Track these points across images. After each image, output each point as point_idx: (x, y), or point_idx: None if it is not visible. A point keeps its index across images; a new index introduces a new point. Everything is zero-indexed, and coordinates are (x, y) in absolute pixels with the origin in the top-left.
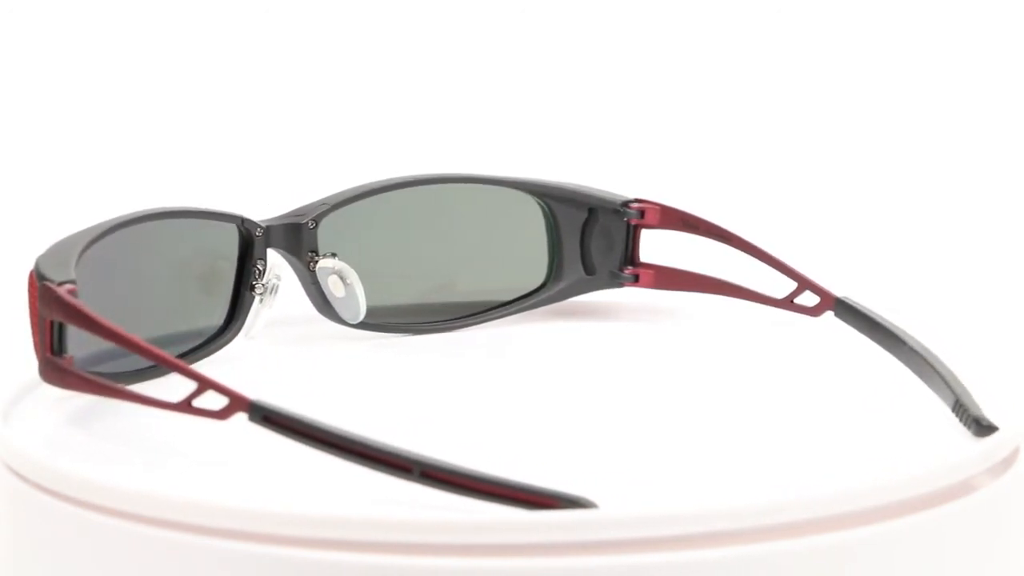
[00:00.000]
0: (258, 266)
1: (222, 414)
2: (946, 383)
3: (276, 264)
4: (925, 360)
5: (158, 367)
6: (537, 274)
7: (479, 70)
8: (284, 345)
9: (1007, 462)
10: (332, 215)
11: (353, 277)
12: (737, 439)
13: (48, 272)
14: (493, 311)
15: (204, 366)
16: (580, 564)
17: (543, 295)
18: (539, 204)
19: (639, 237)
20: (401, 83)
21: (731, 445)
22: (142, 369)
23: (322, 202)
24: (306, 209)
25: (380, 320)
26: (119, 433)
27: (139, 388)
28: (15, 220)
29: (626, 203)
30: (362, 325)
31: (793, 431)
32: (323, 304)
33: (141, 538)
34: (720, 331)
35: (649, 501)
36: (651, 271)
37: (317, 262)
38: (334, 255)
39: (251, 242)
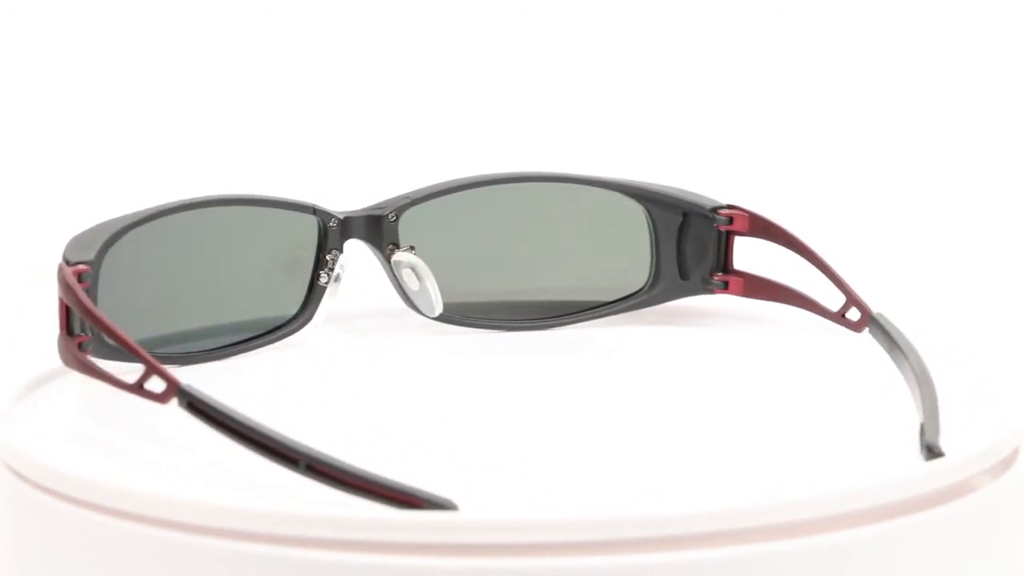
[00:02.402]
0: (328, 256)
1: (162, 397)
2: (923, 406)
3: (344, 255)
4: (916, 381)
5: (187, 356)
6: (636, 277)
7: (553, 68)
8: (358, 335)
9: (1007, 462)
10: (415, 209)
11: (425, 271)
12: (741, 443)
13: (68, 253)
14: (588, 312)
15: (269, 352)
16: (435, 565)
17: (640, 298)
18: (639, 206)
19: (732, 244)
20: (474, 82)
21: (733, 448)
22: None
23: (405, 195)
24: (388, 202)
25: (465, 315)
26: (121, 432)
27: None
28: (39, 217)
29: (716, 209)
30: (446, 319)
31: (798, 436)
32: (404, 296)
33: (141, 538)
34: (772, 341)
35: (643, 502)
36: (740, 279)
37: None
38: (412, 248)
39: (325, 233)
